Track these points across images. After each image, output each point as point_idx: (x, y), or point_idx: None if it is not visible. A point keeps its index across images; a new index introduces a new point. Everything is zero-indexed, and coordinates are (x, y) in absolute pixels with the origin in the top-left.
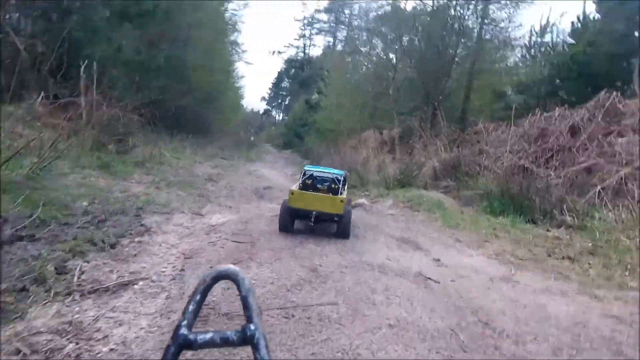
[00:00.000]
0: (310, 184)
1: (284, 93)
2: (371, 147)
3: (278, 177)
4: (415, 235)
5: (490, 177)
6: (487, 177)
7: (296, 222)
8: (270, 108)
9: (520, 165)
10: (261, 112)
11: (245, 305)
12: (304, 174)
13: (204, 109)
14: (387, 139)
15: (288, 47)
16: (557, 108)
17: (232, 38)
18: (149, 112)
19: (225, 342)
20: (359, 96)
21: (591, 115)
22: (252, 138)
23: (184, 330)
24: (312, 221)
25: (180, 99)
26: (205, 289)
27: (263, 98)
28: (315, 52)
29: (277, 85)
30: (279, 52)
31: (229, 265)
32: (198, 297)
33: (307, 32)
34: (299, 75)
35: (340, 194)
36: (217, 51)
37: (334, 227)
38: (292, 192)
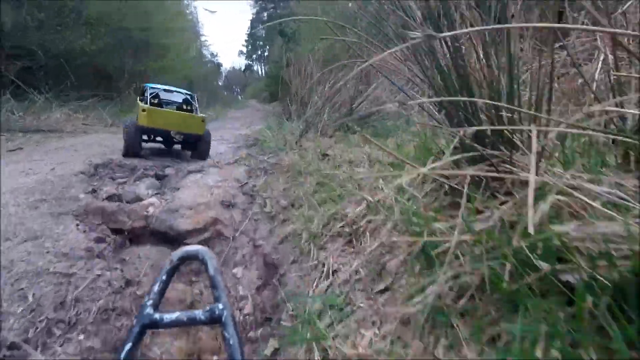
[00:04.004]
0: (157, 103)
1: (261, 42)
2: None
3: None
4: None
5: None
6: None
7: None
8: (251, 62)
9: None
10: (242, 68)
11: (213, 285)
12: (148, 93)
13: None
14: None
15: None
16: None
17: None
18: None
19: (193, 322)
20: None
21: None
22: (239, 97)
23: (149, 310)
24: (171, 142)
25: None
26: (171, 270)
27: (241, 52)
28: None
29: (252, 34)
30: None
31: (197, 246)
32: (164, 277)
33: None
34: (272, 17)
35: (199, 114)
36: None
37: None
38: (143, 109)
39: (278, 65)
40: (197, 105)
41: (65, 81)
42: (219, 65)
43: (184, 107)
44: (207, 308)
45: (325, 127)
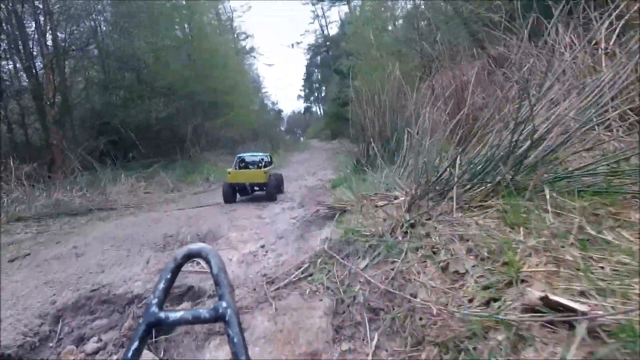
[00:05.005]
0: (243, 165)
1: (317, 85)
2: None
3: None
4: None
5: None
6: None
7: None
8: (309, 104)
9: None
10: (302, 111)
11: (217, 283)
12: (237, 160)
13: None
14: None
15: (304, 34)
16: None
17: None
18: None
19: (197, 320)
20: None
21: None
22: (301, 139)
23: (154, 309)
24: (250, 190)
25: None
26: (175, 268)
27: (299, 97)
28: (335, 29)
29: (308, 79)
30: (298, 43)
31: (201, 244)
32: (169, 275)
33: (319, 11)
34: (326, 60)
35: (265, 168)
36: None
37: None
38: (229, 172)
39: (336, 103)
40: (269, 162)
41: (132, 150)
42: (279, 111)
43: (259, 165)
44: (212, 306)
45: (460, 183)
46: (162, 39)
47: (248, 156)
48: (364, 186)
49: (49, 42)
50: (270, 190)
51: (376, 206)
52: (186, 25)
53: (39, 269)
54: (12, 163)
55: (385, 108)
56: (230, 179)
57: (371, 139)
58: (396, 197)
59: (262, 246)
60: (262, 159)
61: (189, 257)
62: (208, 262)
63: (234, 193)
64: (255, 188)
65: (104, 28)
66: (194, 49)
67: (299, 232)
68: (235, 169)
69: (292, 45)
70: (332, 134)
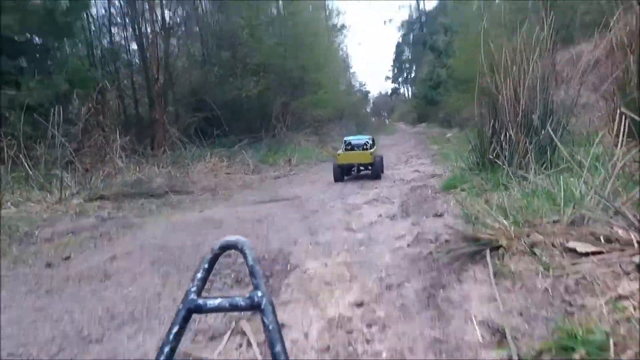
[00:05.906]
0: (350, 148)
1: (408, 65)
2: None
3: None
4: None
5: None
6: None
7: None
8: (397, 86)
9: None
10: (389, 93)
11: (252, 274)
12: (344, 143)
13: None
14: None
15: (399, 9)
16: None
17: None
18: None
19: (234, 308)
20: None
21: None
22: (387, 121)
23: (193, 296)
24: (355, 170)
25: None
26: (213, 258)
27: (387, 77)
28: (431, 3)
29: (398, 58)
30: (390, 20)
31: (237, 236)
32: (206, 265)
33: None
34: (419, 38)
35: (370, 150)
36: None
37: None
38: (338, 154)
39: (427, 84)
40: (372, 145)
41: (220, 128)
42: (366, 93)
43: (364, 147)
44: (247, 295)
45: None
46: (257, 15)
47: (354, 139)
48: (509, 199)
49: (158, 20)
50: (376, 170)
51: (568, 249)
52: (280, 1)
53: (47, 300)
54: (118, 136)
55: (536, 81)
56: (340, 160)
57: (508, 125)
58: (614, 240)
59: (360, 304)
60: (367, 142)
61: (226, 248)
62: (244, 253)
63: (342, 173)
64: (361, 168)
65: (205, 4)
66: (286, 26)
67: (423, 284)
68: (343, 151)
69: (385, 22)
70: (419, 117)
